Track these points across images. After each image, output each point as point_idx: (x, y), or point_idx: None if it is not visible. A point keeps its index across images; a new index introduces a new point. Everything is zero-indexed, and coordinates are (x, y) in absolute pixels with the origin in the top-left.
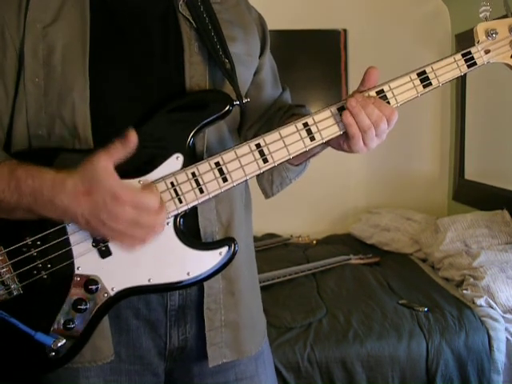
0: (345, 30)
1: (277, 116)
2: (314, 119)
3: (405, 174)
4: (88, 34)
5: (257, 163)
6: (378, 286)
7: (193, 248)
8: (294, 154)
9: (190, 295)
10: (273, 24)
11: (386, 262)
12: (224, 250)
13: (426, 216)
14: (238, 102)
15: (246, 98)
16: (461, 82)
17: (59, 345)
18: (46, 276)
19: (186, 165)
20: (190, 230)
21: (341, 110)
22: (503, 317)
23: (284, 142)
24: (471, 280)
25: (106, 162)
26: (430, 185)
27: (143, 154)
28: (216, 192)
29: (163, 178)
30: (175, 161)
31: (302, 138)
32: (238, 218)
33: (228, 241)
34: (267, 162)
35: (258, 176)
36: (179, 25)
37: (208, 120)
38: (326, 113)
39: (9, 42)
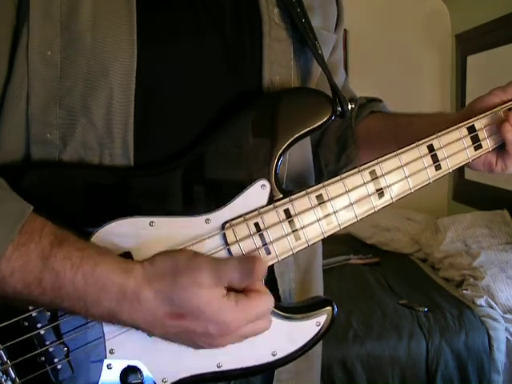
0: (345, 30)
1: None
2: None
3: None
4: None
5: (371, 200)
6: (378, 286)
7: (282, 318)
8: (417, 188)
9: None
10: None
11: (385, 262)
12: (322, 318)
13: (426, 216)
14: (342, 109)
15: (346, 100)
16: (461, 81)
17: None
18: (59, 366)
19: (272, 197)
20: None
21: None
22: (503, 317)
23: (405, 171)
24: (471, 280)
25: (212, 282)
26: (430, 185)
27: (212, 179)
28: (316, 239)
29: (244, 217)
30: (260, 191)
31: (467, 146)
32: (318, 258)
33: (325, 304)
34: (383, 196)
35: None
36: None
37: (301, 133)
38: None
39: None
